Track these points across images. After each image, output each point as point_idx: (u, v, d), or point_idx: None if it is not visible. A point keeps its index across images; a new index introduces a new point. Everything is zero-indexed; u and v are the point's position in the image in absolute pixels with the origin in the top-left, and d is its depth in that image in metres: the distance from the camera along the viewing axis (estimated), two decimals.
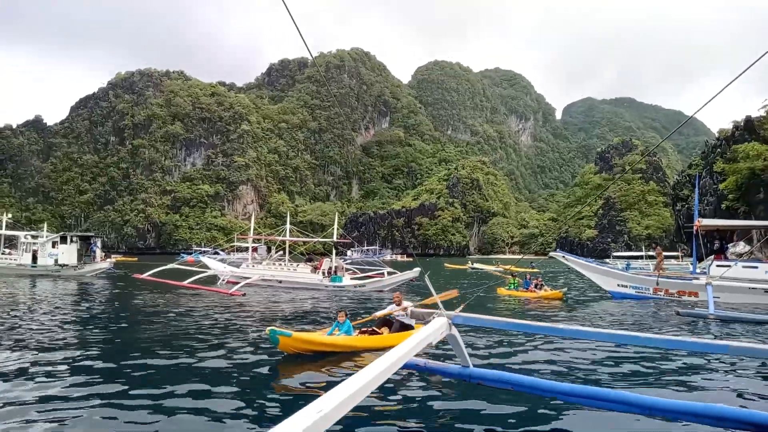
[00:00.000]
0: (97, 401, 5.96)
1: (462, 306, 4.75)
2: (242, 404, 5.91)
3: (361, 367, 6.02)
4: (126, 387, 6.57)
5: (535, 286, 22.25)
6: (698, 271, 21.05)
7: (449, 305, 5.59)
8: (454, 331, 4.75)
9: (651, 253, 65.16)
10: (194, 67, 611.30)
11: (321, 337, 8.84)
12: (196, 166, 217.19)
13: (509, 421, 5.48)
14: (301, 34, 3.05)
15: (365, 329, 9.82)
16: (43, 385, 6.70)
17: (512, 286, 23.52)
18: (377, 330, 9.80)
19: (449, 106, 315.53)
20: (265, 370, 7.77)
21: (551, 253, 24.85)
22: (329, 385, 6.35)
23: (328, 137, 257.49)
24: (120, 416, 5.48)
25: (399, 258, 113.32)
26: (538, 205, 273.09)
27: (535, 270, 47.58)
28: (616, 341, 7.74)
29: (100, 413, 5.57)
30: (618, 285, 21.56)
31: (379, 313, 10.64)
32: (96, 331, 11.80)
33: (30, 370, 7.45)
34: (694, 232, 20.58)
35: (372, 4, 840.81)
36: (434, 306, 5.41)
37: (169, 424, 5.25)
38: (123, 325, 13.27)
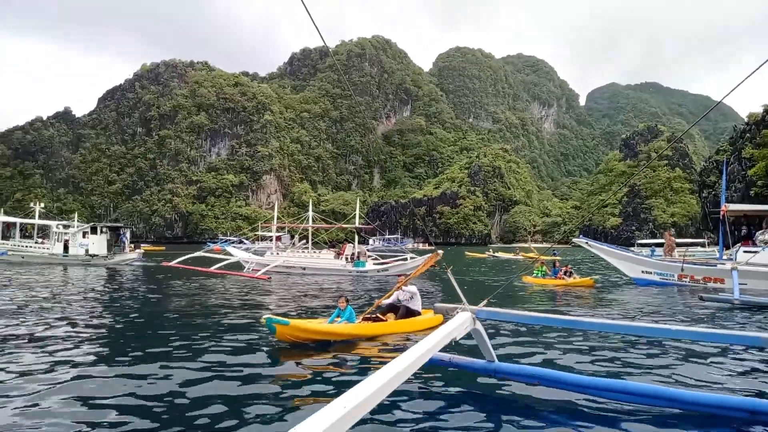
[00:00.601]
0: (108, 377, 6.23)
1: (486, 300, 4.77)
2: (244, 396, 5.72)
3: (364, 357, 6.08)
4: (126, 367, 6.87)
5: (564, 273, 21.42)
6: (725, 257, 20.65)
7: (473, 300, 5.54)
8: (479, 325, 4.74)
9: (677, 240, 63.74)
10: (218, 57, 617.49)
11: (320, 326, 8.51)
12: (220, 156, 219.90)
13: (536, 416, 5.39)
14: (317, 27, 3.02)
15: (368, 316, 9.61)
16: (64, 358, 7.04)
17: (539, 273, 22.68)
18: (381, 317, 9.60)
19: (471, 93, 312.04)
20: (263, 358, 7.44)
21: (574, 240, 24.65)
22: (328, 376, 6.54)
23: (349, 126, 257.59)
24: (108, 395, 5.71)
25: (421, 246, 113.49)
26: (561, 193, 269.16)
27: (557, 258, 47.26)
28: (646, 334, 7.67)
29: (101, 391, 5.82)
30: (642, 272, 21.28)
31: (384, 299, 10.44)
32: (115, 314, 12.22)
33: (51, 347, 7.82)
34: (721, 218, 20.16)
35: None
36: (459, 301, 5.41)
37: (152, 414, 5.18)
38: (142, 308, 13.69)
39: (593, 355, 8.33)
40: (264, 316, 7.96)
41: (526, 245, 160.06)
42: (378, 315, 9.66)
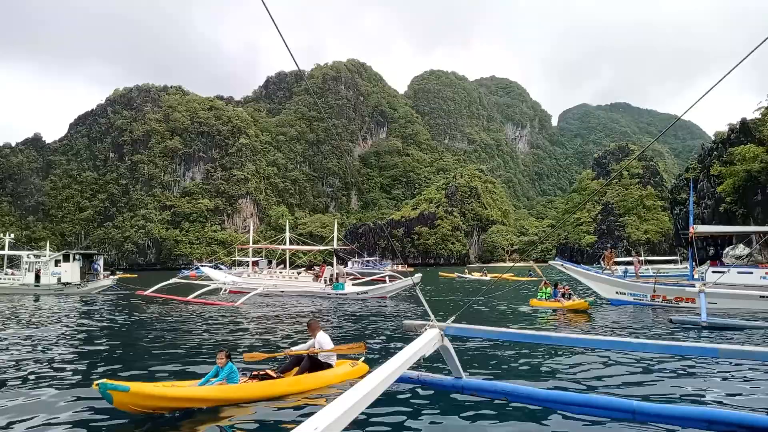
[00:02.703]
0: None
1: (454, 317, 4.90)
2: None
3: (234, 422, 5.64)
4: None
5: (562, 296, 20.44)
6: (696, 276, 21.28)
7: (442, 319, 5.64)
8: (447, 342, 4.81)
9: (651, 258, 65.21)
10: (192, 82, 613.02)
11: (176, 390, 6.53)
12: (195, 180, 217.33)
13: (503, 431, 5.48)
14: (290, 51, 3.04)
15: (256, 373, 7.64)
16: (32, 392, 6.96)
17: (542, 296, 21.48)
18: (270, 374, 7.59)
19: (446, 115, 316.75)
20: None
21: (550, 262, 25.16)
22: None
23: (326, 149, 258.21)
24: None
25: (400, 268, 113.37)
26: (536, 212, 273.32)
27: (533, 278, 47.77)
28: (608, 347, 7.95)
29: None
30: (617, 292, 21.77)
31: (295, 350, 8.62)
32: (82, 342, 12.03)
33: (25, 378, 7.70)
34: (689, 239, 20.84)
35: (366, 12, 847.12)
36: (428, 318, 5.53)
37: None
38: (110, 336, 13.48)
39: (559, 370, 8.58)
40: (96, 382, 6.04)
41: (504, 264, 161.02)
42: (267, 372, 7.68)
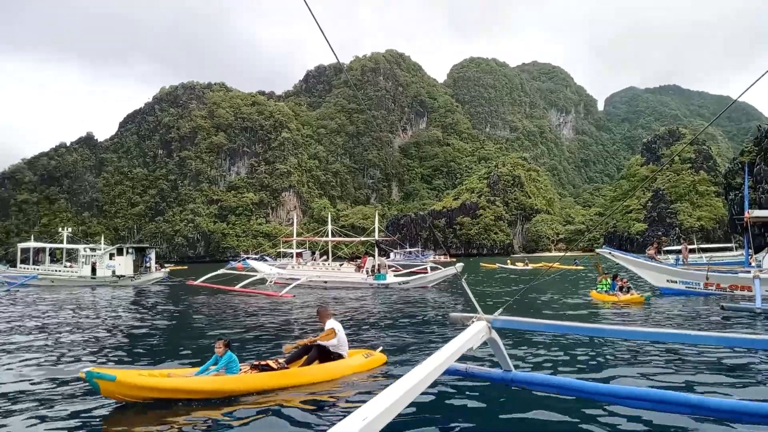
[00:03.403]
0: None
1: (501, 309, 4.78)
2: None
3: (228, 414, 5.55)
4: None
5: (620, 289, 19.24)
6: (753, 264, 20.24)
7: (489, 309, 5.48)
8: (494, 334, 4.72)
9: (704, 246, 62.49)
10: (235, 77, 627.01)
11: (163, 381, 6.29)
12: (240, 174, 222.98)
13: (556, 426, 5.35)
14: (329, 45, 3.03)
15: (257, 363, 7.18)
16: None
17: (602, 288, 20.21)
18: (271, 365, 7.11)
19: (487, 103, 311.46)
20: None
21: (597, 250, 24.36)
22: None
23: (366, 140, 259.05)
24: None
25: (442, 258, 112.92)
26: (583, 200, 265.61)
27: (579, 267, 46.57)
28: (663, 340, 7.62)
29: None
30: (668, 281, 20.94)
31: (316, 339, 7.97)
32: (135, 330, 12.49)
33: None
34: (745, 225, 19.81)
35: (404, 2, 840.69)
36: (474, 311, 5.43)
37: None
38: (162, 326, 13.95)
39: (611, 363, 8.28)
40: (83, 370, 6.03)
41: (549, 254, 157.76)
42: (268, 362, 7.18)
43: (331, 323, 7.90)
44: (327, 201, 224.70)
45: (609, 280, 20.15)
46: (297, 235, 42.90)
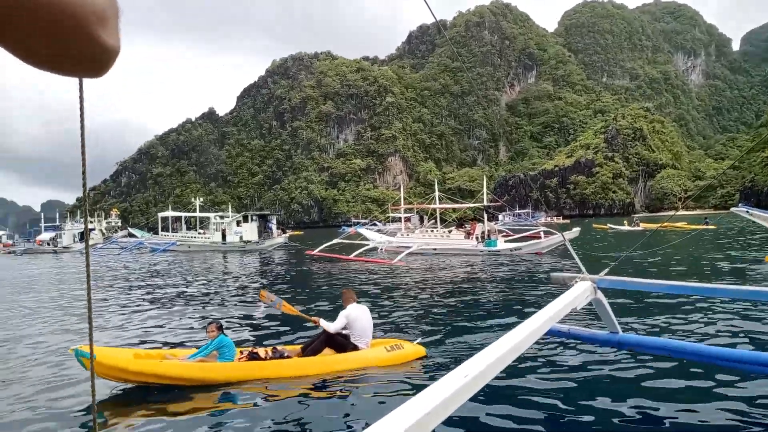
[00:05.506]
0: None
1: (607, 269, 4.60)
2: None
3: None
4: None
5: None
6: None
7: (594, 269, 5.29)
8: (600, 295, 4.59)
9: None
10: (340, 44, 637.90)
11: (143, 363, 5.95)
12: (348, 141, 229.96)
13: (668, 389, 5.36)
14: (429, 7, 3.03)
15: (251, 350, 6.78)
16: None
17: None
18: (259, 354, 6.61)
19: (603, 50, 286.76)
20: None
21: (732, 209, 21.83)
22: None
23: (471, 100, 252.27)
24: None
25: (555, 220, 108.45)
26: (715, 152, 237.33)
27: (711, 226, 42.27)
28: None
29: None
30: None
31: (318, 319, 7.15)
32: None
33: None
34: None
35: None
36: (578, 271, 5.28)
37: None
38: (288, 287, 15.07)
39: (725, 325, 7.86)
40: (72, 347, 5.76)
41: (678, 213, 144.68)
42: (256, 351, 6.71)
43: (347, 311, 6.96)
44: (432, 164, 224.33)
45: None
46: (404, 200, 43.57)
